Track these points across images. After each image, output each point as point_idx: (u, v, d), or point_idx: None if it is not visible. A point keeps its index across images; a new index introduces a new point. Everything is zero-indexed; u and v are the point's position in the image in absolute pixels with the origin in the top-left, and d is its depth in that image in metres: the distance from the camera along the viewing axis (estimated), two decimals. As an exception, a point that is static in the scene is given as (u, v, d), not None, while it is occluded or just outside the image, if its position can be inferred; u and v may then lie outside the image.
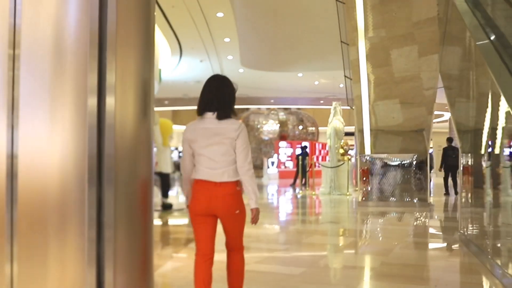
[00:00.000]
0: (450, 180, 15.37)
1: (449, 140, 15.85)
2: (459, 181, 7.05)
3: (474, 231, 6.19)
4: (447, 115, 28.96)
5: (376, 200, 11.63)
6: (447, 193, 15.18)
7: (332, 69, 16.74)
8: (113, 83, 2.40)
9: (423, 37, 10.25)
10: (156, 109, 18.22)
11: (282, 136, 30.99)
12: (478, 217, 6.22)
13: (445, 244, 7.27)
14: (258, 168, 26.01)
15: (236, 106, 3.39)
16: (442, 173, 15.90)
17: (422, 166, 11.54)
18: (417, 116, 11.61)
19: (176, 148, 27.76)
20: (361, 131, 11.86)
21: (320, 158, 26.87)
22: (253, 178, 3.28)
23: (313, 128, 32.83)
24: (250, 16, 13.84)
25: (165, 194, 10.95)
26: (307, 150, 21.31)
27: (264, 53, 16.77)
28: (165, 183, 10.99)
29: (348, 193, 14.92)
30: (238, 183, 3.28)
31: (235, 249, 3.42)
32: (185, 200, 3.49)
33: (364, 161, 11.85)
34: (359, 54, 10.79)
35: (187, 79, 20.58)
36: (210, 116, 3.24)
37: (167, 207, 10.76)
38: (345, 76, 13.79)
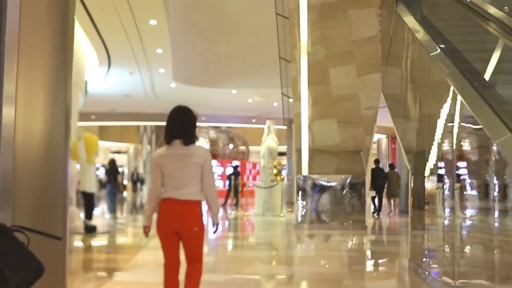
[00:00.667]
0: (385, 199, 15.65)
1: (376, 161, 16.68)
2: (409, 204, 6.74)
3: (427, 258, 5.84)
4: (376, 136, 29.42)
5: (312, 223, 11.24)
6: (378, 214, 15.21)
7: (267, 86, 16.38)
8: (13, 92, 2.07)
9: (363, 56, 10.04)
10: (81, 123, 17.09)
11: (213, 155, 30.44)
12: (430, 243, 5.87)
13: (395, 272, 6.94)
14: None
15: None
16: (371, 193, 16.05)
17: (358, 187, 11.31)
18: (355, 137, 11.38)
19: (103, 165, 26.21)
20: (298, 151, 11.46)
21: (250, 178, 26.55)
22: (217, 198, 3.75)
23: (244, 147, 32.57)
24: (184, 27, 13.25)
25: (88, 216, 10.13)
26: (239, 169, 20.88)
27: (198, 68, 16.16)
28: (89, 203, 10.19)
29: (281, 215, 14.53)
30: (199, 203, 3.66)
31: (194, 259, 3.74)
32: (144, 219, 3.76)
33: (300, 182, 11.45)
34: (300, 71, 10.44)
35: (116, 93, 19.60)
36: (177, 143, 3.66)
37: (90, 230, 9.91)
38: (282, 94, 13.44)
